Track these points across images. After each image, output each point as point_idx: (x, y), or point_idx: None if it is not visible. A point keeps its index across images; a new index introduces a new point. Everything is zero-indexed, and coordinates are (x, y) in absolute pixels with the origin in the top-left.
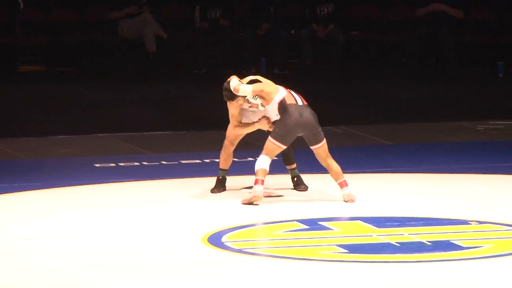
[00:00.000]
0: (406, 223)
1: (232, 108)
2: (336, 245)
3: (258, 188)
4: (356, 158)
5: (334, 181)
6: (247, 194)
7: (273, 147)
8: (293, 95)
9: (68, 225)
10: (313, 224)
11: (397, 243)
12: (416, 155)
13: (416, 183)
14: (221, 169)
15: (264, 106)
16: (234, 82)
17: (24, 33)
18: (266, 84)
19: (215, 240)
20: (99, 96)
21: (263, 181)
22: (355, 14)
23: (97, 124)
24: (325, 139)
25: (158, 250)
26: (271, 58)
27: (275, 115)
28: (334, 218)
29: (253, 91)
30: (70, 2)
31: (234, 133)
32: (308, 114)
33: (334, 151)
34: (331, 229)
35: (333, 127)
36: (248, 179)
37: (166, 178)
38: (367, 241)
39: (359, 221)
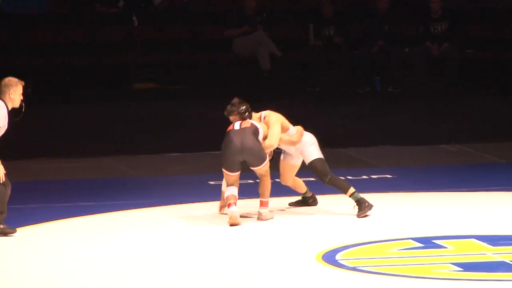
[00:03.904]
0: None
1: None
2: (451, 263)
3: (232, 209)
4: (470, 176)
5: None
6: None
7: (225, 175)
8: (233, 124)
9: (183, 242)
10: (427, 242)
11: (511, 261)
12: None
13: None
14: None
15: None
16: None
17: (139, 51)
18: None
19: (330, 258)
20: (213, 113)
21: (232, 203)
22: (470, 33)
23: (210, 141)
24: (266, 162)
25: (273, 267)
26: (386, 77)
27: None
28: (449, 236)
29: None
30: (184, 20)
31: None
32: (239, 140)
33: (447, 169)
34: (445, 248)
35: (447, 145)
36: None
37: (278, 196)
38: (481, 260)
39: (473, 240)
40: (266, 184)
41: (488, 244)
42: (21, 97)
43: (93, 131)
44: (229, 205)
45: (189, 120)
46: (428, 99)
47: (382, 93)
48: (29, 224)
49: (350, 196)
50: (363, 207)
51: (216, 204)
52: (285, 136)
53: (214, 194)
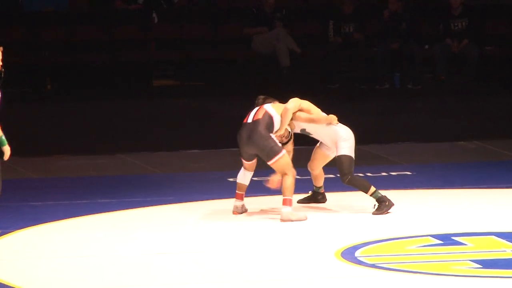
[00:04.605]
0: None
1: None
2: (470, 260)
3: (234, 203)
4: (489, 173)
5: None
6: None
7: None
8: (250, 112)
9: (200, 239)
10: (446, 239)
11: None
12: None
13: None
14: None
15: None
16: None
17: (158, 48)
18: None
19: (349, 255)
20: (232, 110)
21: (238, 194)
22: (489, 30)
23: (229, 138)
24: (279, 156)
25: (291, 264)
26: (405, 73)
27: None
28: (468, 233)
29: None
30: (204, 17)
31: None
32: (247, 134)
33: (466, 166)
34: (465, 244)
35: (466, 142)
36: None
37: (298, 193)
38: (500, 257)
39: (492, 237)
40: (285, 181)
41: (508, 241)
42: (1, 63)
43: (111, 128)
44: (235, 196)
45: (208, 117)
46: (447, 96)
47: (401, 90)
48: (46, 222)
49: (371, 196)
50: (382, 206)
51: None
52: (303, 114)
53: (233, 191)
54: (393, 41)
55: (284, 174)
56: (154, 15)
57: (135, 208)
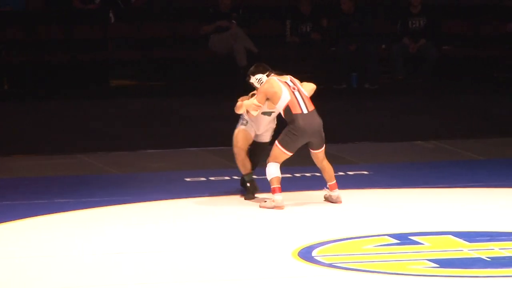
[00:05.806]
0: (497, 237)
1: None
2: (427, 259)
3: (278, 197)
4: (447, 172)
5: (326, 182)
6: (268, 202)
7: (280, 153)
8: (297, 100)
9: (158, 239)
10: (403, 238)
11: (487, 258)
12: (508, 170)
13: (508, 198)
14: (245, 175)
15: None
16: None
17: (116, 48)
18: (269, 89)
19: (306, 254)
20: (190, 110)
21: (280, 188)
22: (446, 29)
23: (187, 138)
24: (324, 145)
25: (249, 264)
26: (362, 73)
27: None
28: (425, 232)
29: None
30: (161, 17)
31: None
32: (315, 122)
33: (425, 166)
34: (422, 244)
35: (424, 142)
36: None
37: (256, 192)
38: (457, 256)
39: (449, 236)
40: (330, 168)
41: (465, 240)
42: None
43: (69, 128)
44: (273, 191)
45: (165, 117)
46: (405, 95)
47: (358, 89)
48: (3, 222)
49: (244, 174)
50: (248, 191)
51: (192, 201)
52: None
53: (190, 191)
54: (350, 41)
55: (324, 161)
56: (111, 15)
57: (93, 208)
